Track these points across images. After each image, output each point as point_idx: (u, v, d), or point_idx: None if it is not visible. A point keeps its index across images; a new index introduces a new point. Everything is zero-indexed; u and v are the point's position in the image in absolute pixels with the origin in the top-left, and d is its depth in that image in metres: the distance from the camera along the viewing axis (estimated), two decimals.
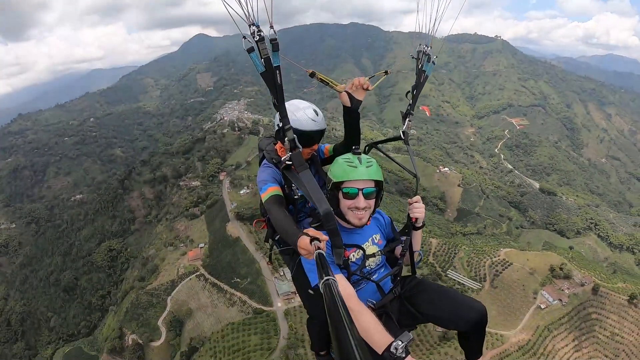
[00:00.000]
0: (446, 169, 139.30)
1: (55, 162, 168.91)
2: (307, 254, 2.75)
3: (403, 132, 4.20)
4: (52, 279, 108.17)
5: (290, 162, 3.48)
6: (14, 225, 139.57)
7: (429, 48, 4.07)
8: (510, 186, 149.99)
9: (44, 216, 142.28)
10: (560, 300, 72.10)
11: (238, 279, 73.42)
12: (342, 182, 3.48)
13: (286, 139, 3.42)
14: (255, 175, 4.13)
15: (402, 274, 3.97)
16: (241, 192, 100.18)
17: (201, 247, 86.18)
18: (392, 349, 2.72)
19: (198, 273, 78.74)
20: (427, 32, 3.97)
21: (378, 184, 3.56)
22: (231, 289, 72.57)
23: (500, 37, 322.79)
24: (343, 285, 3.15)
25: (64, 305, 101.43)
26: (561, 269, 78.15)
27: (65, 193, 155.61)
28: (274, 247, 4.31)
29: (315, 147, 4.09)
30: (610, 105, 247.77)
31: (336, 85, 3.77)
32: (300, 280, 4.06)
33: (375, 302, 3.65)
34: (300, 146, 3.52)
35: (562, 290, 74.37)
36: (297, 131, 3.62)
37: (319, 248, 2.63)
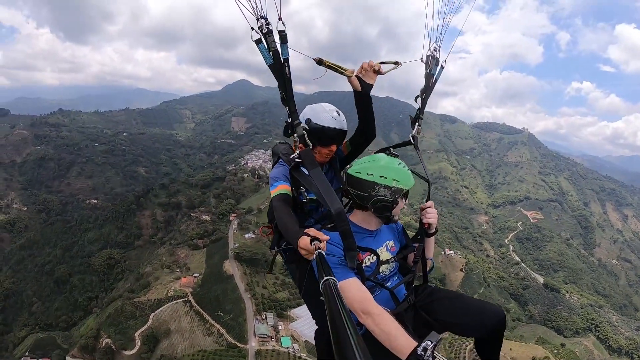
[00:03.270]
0: (451, 252, 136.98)
1: (80, 163, 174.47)
2: (307, 254, 2.72)
3: (412, 136, 4.14)
4: (47, 268, 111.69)
5: (300, 160, 3.39)
6: (26, 209, 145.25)
7: (437, 52, 4.10)
8: (514, 278, 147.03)
9: (56, 209, 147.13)
10: None
11: (221, 313, 77.09)
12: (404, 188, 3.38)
13: (295, 135, 3.36)
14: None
15: (415, 284, 3.83)
16: (246, 235, 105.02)
17: (195, 277, 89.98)
18: (420, 351, 2.48)
19: (186, 299, 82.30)
20: (435, 37, 4.03)
21: None
22: (212, 320, 76.11)
23: (527, 129, 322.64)
24: (359, 288, 3.05)
25: (50, 295, 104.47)
26: None
27: (82, 194, 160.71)
28: (278, 256, 4.24)
29: (334, 148, 3.94)
30: (628, 207, 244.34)
31: (345, 70, 3.64)
32: (309, 289, 3.89)
33: (389, 311, 3.25)
34: (310, 144, 3.51)
35: None
36: (317, 127, 3.70)
37: (319, 248, 2.58)
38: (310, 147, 3.46)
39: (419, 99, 4.11)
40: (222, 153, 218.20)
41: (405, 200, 3.45)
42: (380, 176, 3.35)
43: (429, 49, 4.07)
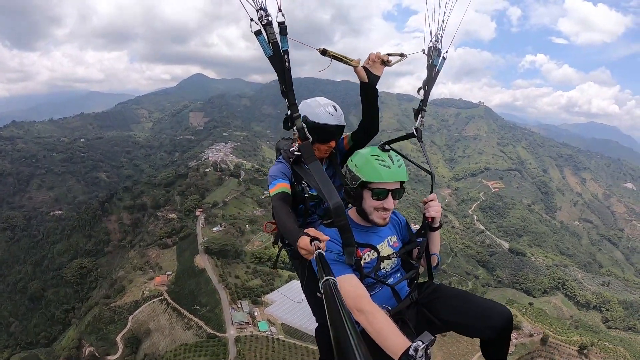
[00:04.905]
0: (416, 226, 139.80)
1: (40, 175, 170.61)
2: (307, 254, 2.71)
3: (416, 128, 4.08)
4: (20, 286, 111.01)
5: (299, 153, 3.38)
6: None
7: (439, 43, 4.03)
8: (480, 246, 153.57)
9: (20, 225, 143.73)
10: None
11: (198, 307, 78.83)
12: (371, 182, 3.23)
13: (294, 127, 3.30)
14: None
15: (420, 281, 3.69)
16: (214, 229, 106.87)
17: (168, 275, 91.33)
18: (411, 352, 2.37)
19: (162, 297, 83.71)
20: (437, 28, 3.97)
21: (402, 182, 3.36)
22: (190, 314, 77.86)
23: (483, 103, 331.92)
24: (354, 285, 2.99)
25: (27, 313, 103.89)
26: None
27: (45, 207, 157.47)
28: (282, 251, 4.31)
29: (333, 144, 3.93)
30: (585, 171, 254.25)
31: (351, 60, 3.51)
32: (310, 285, 4.10)
33: (390, 308, 3.28)
34: (310, 136, 3.38)
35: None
36: (314, 124, 3.64)
37: (319, 248, 2.56)
38: (310, 140, 3.39)
39: (422, 91, 4.08)
40: (183, 150, 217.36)
41: (383, 200, 3.24)
42: (350, 160, 3.41)
43: (430, 41, 4.05)
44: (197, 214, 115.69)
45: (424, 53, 4.05)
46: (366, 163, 3.26)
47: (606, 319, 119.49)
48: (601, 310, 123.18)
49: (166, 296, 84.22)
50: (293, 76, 3.10)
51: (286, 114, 3.37)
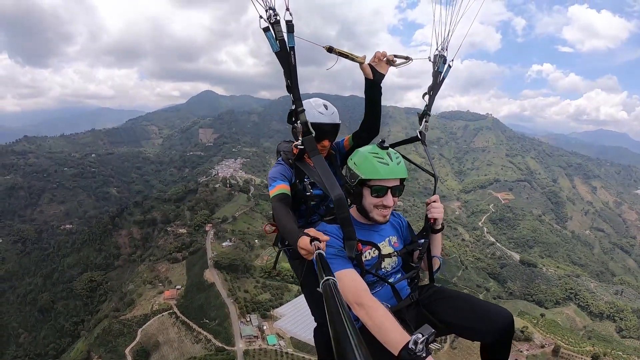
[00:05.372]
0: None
1: (51, 189, 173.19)
2: (307, 254, 2.68)
3: (420, 132, 4.13)
4: (30, 297, 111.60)
5: (303, 147, 3.36)
6: (0, 240, 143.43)
7: (445, 51, 4.11)
8: (491, 258, 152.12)
9: (31, 238, 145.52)
10: None
11: (207, 320, 79.39)
12: (370, 179, 3.21)
13: (299, 121, 3.28)
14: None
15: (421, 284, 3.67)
16: (224, 243, 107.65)
17: (178, 289, 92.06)
18: (411, 345, 2.29)
19: (171, 311, 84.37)
20: (443, 38, 4.04)
21: (402, 180, 3.34)
22: (199, 328, 78.28)
23: (491, 114, 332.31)
24: (355, 279, 2.96)
25: (36, 325, 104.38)
26: (522, 332, 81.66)
27: (56, 220, 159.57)
28: (281, 253, 4.24)
29: (327, 143, 3.94)
30: (595, 179, 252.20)
31: (357, 57, 3.56)
32: (309, 285, 4.12)
33: (390, 306, 3.18)
34: (314, 131, 3.33)
35: (521, 351, 76.82)
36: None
37: (319, 248, 2.52)
38: (313, 134, 3.36)
39: (427, 97, 4.17)
40: (193, 166, 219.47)
41: (382, 197, 3.24)
42: (350, 159, 3.42)
43: (437, 49, 4.13)
44: (207, 229, 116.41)
45: (429, 60, 4.16)
46: (365, 160, 3.29)
47: (620, 328, 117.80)
48: (615, 319, 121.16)
49: (175, 310, 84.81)
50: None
51: (291, 109, 3.45)
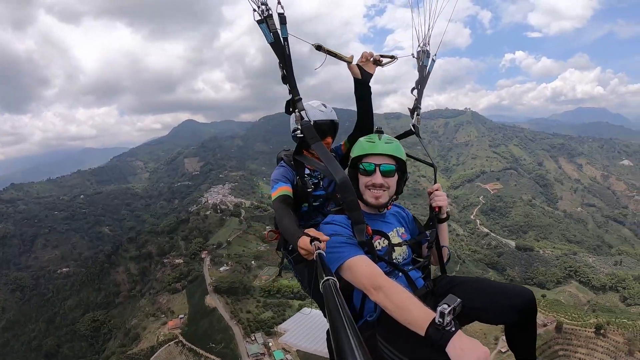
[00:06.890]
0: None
1: (44, 234, 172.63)
2: (307, 254, 2.68)
3: (413, 125, 4.18)
4: (34, 344, 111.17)
5: (302, 135, 3.40)
6: None
7: (427, 46, 4.15)
8: (487, 249, 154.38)
9: (29, 285, 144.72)
10: None
11: (213, 344, 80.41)
12: (360, 158, 3.30)
13: (297, 110, 3.34)
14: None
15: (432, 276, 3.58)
16: (221, 268, 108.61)
17: (181, 318, 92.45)
18: (437, 319, 2.07)
19: (177, 340, 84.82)
20: (424, 34, 4.11)
21: (399, 163, 3.32)
22: (206, 352, 79.18)
23: (469, 109, 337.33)
24: (369, 263, 2.80)
25: None
26: None
27: (52, 265, 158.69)
28: (285, 258, 4.01)
29: (330, 140, 4.02)
30: (580, 156, 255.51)
31: (345, 57, 3.67)
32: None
33: None
34: (311, 119, 3.44)
35: None
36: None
37: (319, 248, 2.53)
38: (312, 122, 3.43)
39: (415, 91, 4.17)
40: (182, 196, 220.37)
41: (371, 175, 3.26)
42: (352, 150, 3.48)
43: (419, 45, 4.17)
44: (203, 256, 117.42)
45: (413, 57, 4.24)
46: (357, 144, 3.44)
47: (624, 297, 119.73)
48: (618, 290, 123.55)
49: (181, 338, 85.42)
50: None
51: (288, 100, 3.45)
